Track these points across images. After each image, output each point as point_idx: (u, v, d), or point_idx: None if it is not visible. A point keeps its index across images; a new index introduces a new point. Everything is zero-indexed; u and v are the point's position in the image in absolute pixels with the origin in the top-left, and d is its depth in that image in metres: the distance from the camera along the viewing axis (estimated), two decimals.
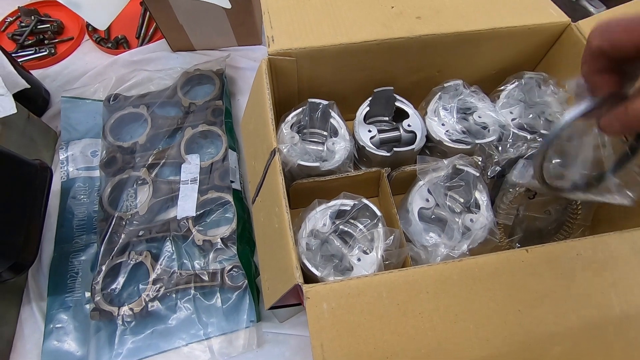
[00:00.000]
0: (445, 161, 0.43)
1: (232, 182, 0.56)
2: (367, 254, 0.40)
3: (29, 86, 0.55)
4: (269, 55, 0.44)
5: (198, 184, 0.57)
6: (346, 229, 0.43)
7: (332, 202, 0.42)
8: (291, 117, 0.49)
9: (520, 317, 0.31)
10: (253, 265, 0.52)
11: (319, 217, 0.42)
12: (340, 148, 0.47)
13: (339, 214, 0.42)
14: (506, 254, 0.33)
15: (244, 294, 0.50)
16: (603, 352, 0.32)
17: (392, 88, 0.49)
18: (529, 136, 0.48)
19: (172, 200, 0.57)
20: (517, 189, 0.41)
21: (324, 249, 0.40)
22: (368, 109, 0.51)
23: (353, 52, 0.47)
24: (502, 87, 0.52)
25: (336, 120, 0.49)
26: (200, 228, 0.54)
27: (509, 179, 0.41)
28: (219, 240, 0.52)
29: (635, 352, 0.31)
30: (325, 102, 0.48)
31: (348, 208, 0.42)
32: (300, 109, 0.49)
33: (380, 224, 0.40)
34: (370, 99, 0.50)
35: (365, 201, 0.41)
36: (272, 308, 0.42)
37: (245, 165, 0.61)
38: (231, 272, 0.50)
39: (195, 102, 0.64)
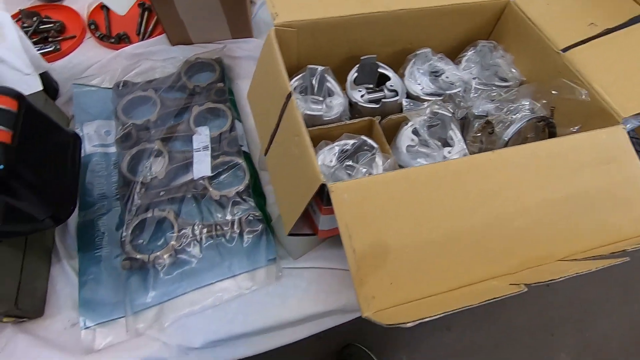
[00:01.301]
0: (425, 104, 0.53)
1: (241, 146, 0.64)
2: None
3: (51, 67, 0.60)
4: (275, 26, 0.53)
5: (210, 150, 0.64)
6: (350, 162, 0.51)
7: (337, 142, 0.51)
8: (293, 82, 0.57)
9: (490, 199, 0.41)
10: (267, 214, 0.59)
11: (327, 154, 0.50)
12: (337, 104, 0.56)
13: (343, 152, 0.51)
14: (479, 156, 0.43)
15: (262, 236, 0.56)
16: (553, 226, 0.42)
17: (375, 56, 0.60)
18: (485, 88, 0.59)
19: (186, 167, 0.63)
20: (478, 120, 0.51)
21: (334, 178, 0.49)
22: (356, 74, 0.61)
23: (341, 25, 0.57)
24: (463, 54, 0.64)
25: (331, 83, 0.58)
26: (216, 186, 0.61)
27: (471, 113, 0.52)
28: (234, 193, 0.59)
29: (577, 220, 0.42)
30: (321, 67, 0.57)
31: (350, 146, 0.51)
32: (301, 75, 0.58)
33: (377, 153, 0.49)
34: (357, 66, 0.60)
35: (364, 137, 0.50)
36: (291, 234, 0.49)
37: (250, 136, 0.69)
38: (248, 218, 0.57)
39: (199, 85, 0.72)
